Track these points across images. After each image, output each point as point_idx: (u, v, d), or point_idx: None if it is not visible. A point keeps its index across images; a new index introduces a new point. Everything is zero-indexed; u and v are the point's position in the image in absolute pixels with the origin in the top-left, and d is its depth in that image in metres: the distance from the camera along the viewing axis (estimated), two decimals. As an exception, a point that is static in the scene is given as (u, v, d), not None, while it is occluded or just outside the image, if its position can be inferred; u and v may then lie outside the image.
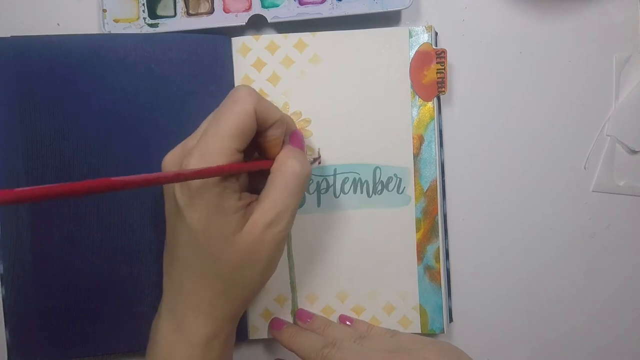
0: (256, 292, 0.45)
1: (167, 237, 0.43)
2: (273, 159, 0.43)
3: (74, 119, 0.49)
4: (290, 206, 0.41)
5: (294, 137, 0.45)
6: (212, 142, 0.39)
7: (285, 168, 0.41)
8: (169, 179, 0.36)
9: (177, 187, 0.40)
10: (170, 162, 0.42)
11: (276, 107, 0.42)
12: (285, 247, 0.52)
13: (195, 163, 0.38)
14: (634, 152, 0.54)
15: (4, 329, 0.50)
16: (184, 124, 0.49)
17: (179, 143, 0.43)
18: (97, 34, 0.52)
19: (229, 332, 0.44)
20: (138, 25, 0.51)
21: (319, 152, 0.51)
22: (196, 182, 0.38)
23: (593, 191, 0.55)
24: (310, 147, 0.51)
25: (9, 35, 0.49)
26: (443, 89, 0.51)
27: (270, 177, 0.42)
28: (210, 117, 0.43)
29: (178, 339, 0.42)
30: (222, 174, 0.38)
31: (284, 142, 0.44)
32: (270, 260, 0.42)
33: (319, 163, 0.51)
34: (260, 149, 0.44)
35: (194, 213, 0.39)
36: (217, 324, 0.42)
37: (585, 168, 0.55)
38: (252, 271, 0.41)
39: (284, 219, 0.41)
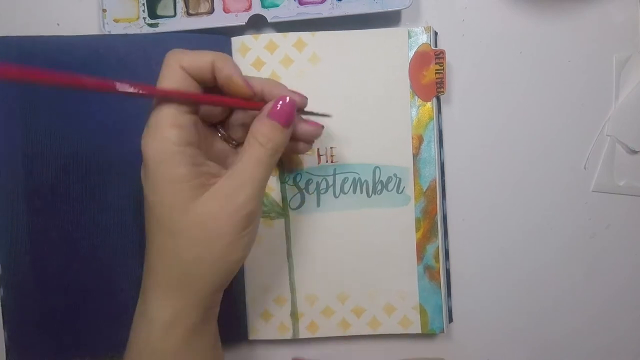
0: (223, 278, 0.41)
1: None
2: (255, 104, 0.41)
3: (74, 119, 0.49)
4: (256, 178, 0.39)
5: (275, 107, 0.40)
6: (155, 109, 0.38)
7: (253, 138, 0.39)
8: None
9: (142, 167, 0.39)
10: None
11: (204, 52, 0.40)
12: (285, 248, 0.52)
13: (144, 135, 0.38)
14: (634, 152, 0.54)
15: (2, 330, 0.50)
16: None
17: None
18: (96, 35, 0.52)
19: (198, 319, 0.40)
20: (138, 25, 0.51)
21: (330, 149, 0.51)
22: (147, 152, 0.37)
23: (593, 191, 0.55)
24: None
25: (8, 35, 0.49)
26: (442, 89, 0.51)
27: (241, 148, 0.40)
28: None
29: (142, 322, 0.40)
30: (177, 96, 0.38)
31: (263, 110, 0.41)
32: (233, 238, 0.38)
33: (331, 159, 0.52)
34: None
35: (147, 185, 0.38)
36: (177, 308, 0.39)
37: (585, 168, 0.55)
38: (214, 247, 0.38)
39: (246, 189, 0.38)
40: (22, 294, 0.50)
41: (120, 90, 0.36)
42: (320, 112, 0.46)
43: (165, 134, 0.37)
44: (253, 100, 0.41)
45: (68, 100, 0.49)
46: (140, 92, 0.36)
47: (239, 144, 0.44)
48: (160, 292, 0.40)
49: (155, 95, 0.37)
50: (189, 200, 0.38)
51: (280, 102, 0.40)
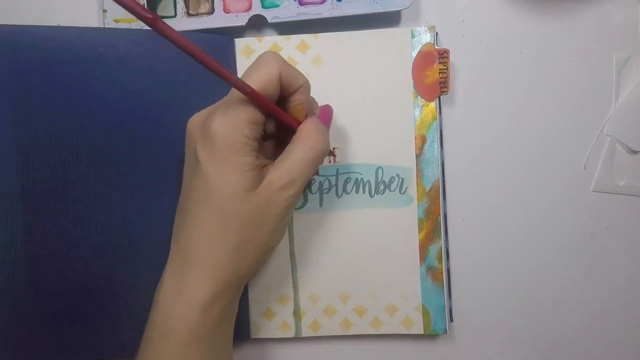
0: (261, 259, 0.45)
1: (181, 197, 0.44)
2: (297, 124, 0.44)
3: (72, 116, 0.48)
4: (304, 175, 0.42)
5: (323, 111, 0.46)
6: (237, 101, 0.40)
7: (308, 139, 0.42)
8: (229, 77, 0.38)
9: (199, 142, 0.41)
10: (195, 122, 0.43)
11: (301, 73, 0.43)
12: (288, 247, 0.52)
13: (219, 120, 0.40)
14: (634, 152, 0.54)
15: None
16: (185, 123, 0.48)
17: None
18: (97, 27, 0.51)
19: (231, 299, 0.44)
20: (138, 25, 0.51)
21: (333, 150, 0.52)
22: (219, 138, 0.40)
23: (593, 191, 0.55)
24: None
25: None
26: (445, 89, 0.51)
27: (290, 145, 0.43)
28: None
29: (178, 300, 0.41)
30: (261, 102, 0.40)
31: (312, 114, 0.45)
32: (279, 223, 0.43)
33: (334, 159, 0.52)
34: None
35: (211, 167, 0.40)
36: (219, 287, 0.42)
37: (585, 168, 0.55)
38: (261, 232, 0.42)
39: (297, 184, 0.42)
40: (19, 295, 0.48)
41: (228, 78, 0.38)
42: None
43: (243, 127, 0.40)
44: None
45: (66, 98, 0.48)
46: (246, 90, 0.39)
47: (267, 136, 0.46)
48: (202, 271, 0.42)
49: (252, 95, 0.39)
50: (249, 188, 0.41)
51: (325, 108, 0.47)
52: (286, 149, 0.43)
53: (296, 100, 0.43)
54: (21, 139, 0.48)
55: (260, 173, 0.41)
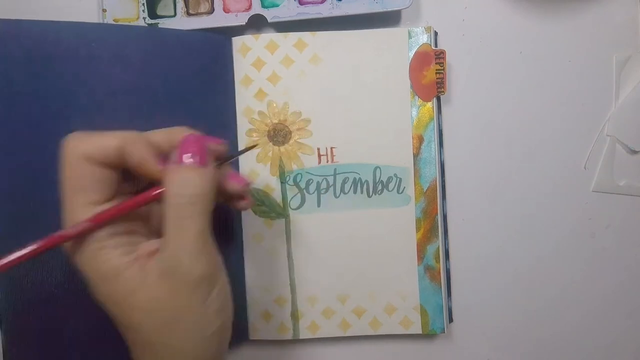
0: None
1: None
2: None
3: (59, 112, 0.46)
4: (185, 238, 0.34)
5: (182, 146, 0.36)
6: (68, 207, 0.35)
7: (167, 197, 0.34)
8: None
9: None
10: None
11: (110, 134, 0.36)
12: (285, 248, 0.52)
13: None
14: (634, 152, 0.54)
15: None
16: (182, 123, 0.48)
17: None
18: (89, 22, 0.51)
19: None
20: (138, 25, 0.51)
21: (330, 149, 0.51)
22: (103, 275, 0.34)
23: (593, 191, 0.55)
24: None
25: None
26: (442, 89, 0.51)
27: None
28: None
29: None
30: (97, 226, 0.34)
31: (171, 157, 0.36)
32: (199, 309, 0.35)
33: (332, 161, 0.51)
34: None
35: (89, 282, 0.35)
36: None
37: (585, 168, 0.55)
38: (174, 337, 0.35)
39: (181, 263, 0.33)
40: (21, 297, 0.47)
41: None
42: (245, 148, 0.49)
43: (107, 251, 0.34)
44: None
45: (54, 94, 0.46)
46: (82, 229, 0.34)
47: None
48: None
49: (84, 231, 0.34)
50: (133, 291, 0.34)
51: (185, 142, 0.36)
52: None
53: (134, 163, 0.36)
54: (5, 138, 0.46)
55: (144, 264, 0.35)
